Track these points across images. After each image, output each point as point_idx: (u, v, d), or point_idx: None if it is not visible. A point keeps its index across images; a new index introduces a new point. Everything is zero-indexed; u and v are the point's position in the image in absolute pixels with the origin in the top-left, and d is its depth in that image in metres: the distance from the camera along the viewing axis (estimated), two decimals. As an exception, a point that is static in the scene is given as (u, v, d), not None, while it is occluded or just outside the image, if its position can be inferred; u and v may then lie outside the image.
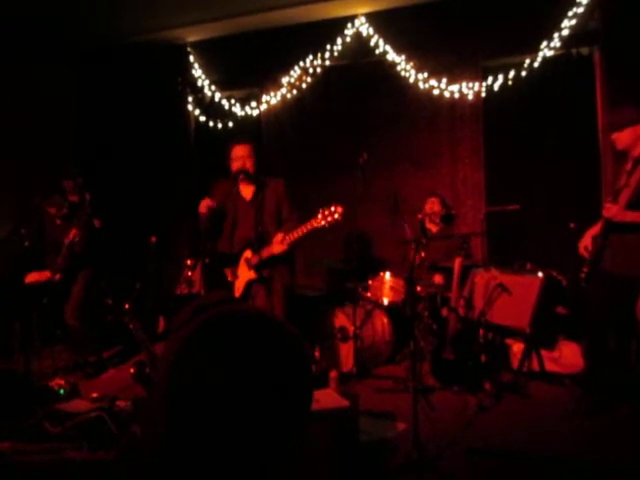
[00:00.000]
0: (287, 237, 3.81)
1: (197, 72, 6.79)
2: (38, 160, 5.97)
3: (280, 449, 0.78)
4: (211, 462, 0.75)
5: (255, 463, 0.76)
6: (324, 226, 3.58)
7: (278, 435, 0.77)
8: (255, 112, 6.60)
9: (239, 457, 0.76)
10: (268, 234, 4.00)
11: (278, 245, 3.84)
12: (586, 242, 3.65)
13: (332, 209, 3.56)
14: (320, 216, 3.57)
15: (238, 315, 0.83)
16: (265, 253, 3.93)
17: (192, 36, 6.69)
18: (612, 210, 3.40)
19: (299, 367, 0.80)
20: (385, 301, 5.08)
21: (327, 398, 2.93)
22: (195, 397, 0.76)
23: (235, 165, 4.06)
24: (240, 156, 4.06)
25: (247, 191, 4.18)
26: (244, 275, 4.04)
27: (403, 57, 5.92)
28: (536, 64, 5.45)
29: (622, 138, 3.50)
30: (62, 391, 3.65)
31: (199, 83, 6.79)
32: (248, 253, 4.02)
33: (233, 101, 6.68)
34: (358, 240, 5.27)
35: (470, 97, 5.74)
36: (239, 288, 4.05)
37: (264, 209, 4.09)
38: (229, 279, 4.09)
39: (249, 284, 4.04)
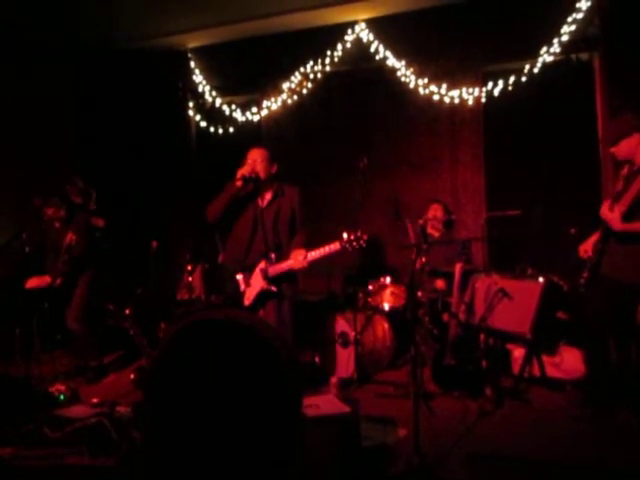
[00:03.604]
0: (309, 255, 3.76)
1: (198, 78, 6.81)
2: (39, 164, 5.98)
3: (267, 455, 0.78)
4: (194, 466, 0.75)
5: (244, 468, 0.76)
6: (347, 250, 3.59)
7: (261, 441, 0.77)
8: (256, 118, 6.61)
9: (224, 461, 0.76)
10: (281, 244, 3.97)
11: (299, 261, 3.78)
12: (586, 247, 3.67)
13: (358, 235, 3.57)
14: (345, 238, 3.58)
15: (207, 323, 0.83)
16: (284, 267, 3.85)
17: (193, 42, 6.71)
18: (608, 216, 3.42)
19: (274, 373, 0.80)
20: (386, 306, 5.08)
21: (328, 404, 2.93)
22: (170, 403, 0.76)
23: (245, 168, 3.91)
24: (253, 159, 3.97)
25: (262, 197, 4.05)
26: (257, 284, 3.93)
27: (403, 63, 5.94)
28: (536, 69, 5.46)
29: (620, 150, 3.53)
30: (62, 396, 3.66)
31: (200, 89, 6.81)
32: (264, 263, 3.90)
33: (234, 106, 6.70)
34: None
35: (470, 102, 5.76)
36: (249, 297, 3.95)
37: (279, 218, 4.00)
38: (241, 288, 3.99)
39: (261, 294, 3.93)
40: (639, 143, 3.45)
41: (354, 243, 3.57)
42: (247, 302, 3.96)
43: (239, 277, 4.00)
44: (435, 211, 5.27)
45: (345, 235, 3.58)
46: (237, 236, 4.07)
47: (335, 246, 3.65)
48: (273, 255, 3.91)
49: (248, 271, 3.98)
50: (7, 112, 5.96)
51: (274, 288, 3.89)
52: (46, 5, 5.58)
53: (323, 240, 3.85)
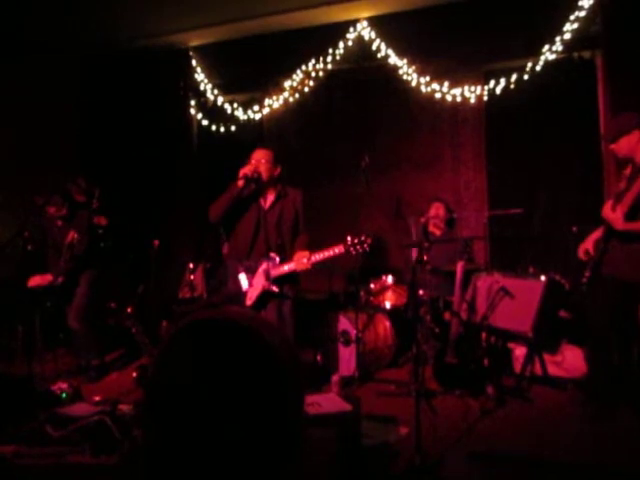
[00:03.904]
0: (313, 257, 3.75)
1: (199, 76, 6.81)
2: (41, 163, 5.99)
3: (268, 453, 0.78)
4: (195, 465, 0.76)
5: (245, 467, 0.77)
6: (350, 254, 3.58)
7: (262, 439, 0.77)
8: (257, 116, 6.61)
9: (225, 460, 0.76)
10: (284, 246, 3.97)
11: (302, 263, 3.77)
12: (587, 246, 3.66)
13: (362, 238, 3.55)
14: (349, 242, 3.57)
15: (208, 321, 0.83)
16: (287, 268, 3.86)
17: (194, 40, 6.71)
18: (610, 215, 3.41)
19: (276, 371, 0.80)
20: (387, 305, 5.08)
21: (329, 402, 2.93)
22: (171, 402, 0.76)
23: (247, 168, 3.89)
24: (257, 160, 3.95)
25: (265, 198, 4.06)
26: (259, 285, 3.93)
27: (405, 61, 5.93)
28: (538, 67, 5.45)
29: (620, 148, 3.53)
30: (64, 395, 3.65)
31: (201, 87, 6.81)
32: (267, 264, 3.90)
33: (235, 105, 6.70)
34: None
35: (472, 101, 5.75)
36: (251, 297, 3.95)
37: (283, 220, 4.00)
38: (243, 288, 3.99)
39: (263, 295, 3.93)
40: (639, 141, 3.45)
41: (358, 247, 3.56)
42: (249, 302, 3.96)
43: (242, 277, 4.00)
44: (437, 209, 5.27)
45: (349, 238, 3.57)
46: (239, 236, 4.06)
47: (339, 249, 3.65)
48: (277, 257, 3.91)
49: (251, 271, 3.98)
50: (10, 111, 5.97)
51: (276, 289, 3.90)
52: (47, 5, 5.58)
53: (325, 239, 3.85)
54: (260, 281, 3.94)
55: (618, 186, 3.61)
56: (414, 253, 4.37)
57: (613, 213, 3.40)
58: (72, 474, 2.35)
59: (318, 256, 3.76)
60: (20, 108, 6.05)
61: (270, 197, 4.06)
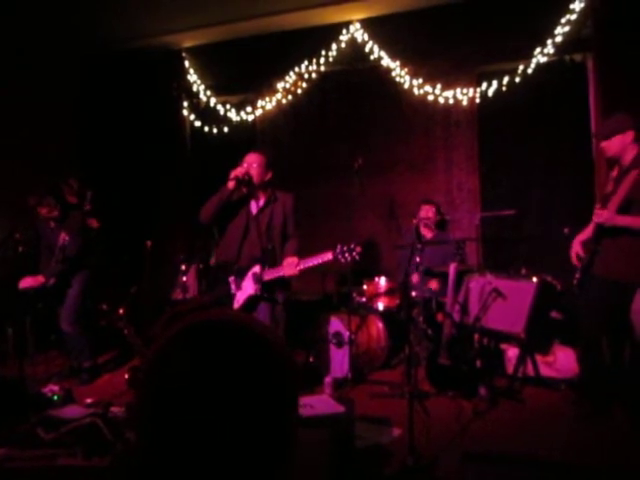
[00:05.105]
0: (301, 264, 3.75)
1: (192, 77, 6.80)
2: (35, 163, 5.95)
3: (263, 455, 0.78)
4: (188, 466, 0.75)
5: (239, 468, 0.76)
6: (339, 261, 3.58)
7: (257, 440, 0.77)
8: (250, 117, 6.61)
9: (219, 461, 0.76)
10: (274, 250, 3.97)
11: (291, 269, 3.77)
12: (577, 249, 3.68)
13: (351, 247, 3.54)
14: (338, 250, 3.56)
15: (209, 325, 0.83)
16: (276, 273, 3.85)
17: (187, 41, 6.70)
18: (603, 215, 3.43)
19: (271, 370, 0.80)
20: (380, 306, 5.08)
21: (322, 404, 2.93)
22: (165, 407, 0.76)
23: (238, 170, 3.88)
24: (248, 163, 3.95)
25: (255, 202, 4.06)
26: (248, 288, 3.93)
27: (398, 63, 5.95)
28: (530, 70, 5.48)
29: (611, 146, 3.53)
30: (56, 397, 3.64)
31: (194, 88, 6.80)
32: (257, 268, 3.90)
33: (228, 106, 6.69)
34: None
35: (464, 103, 5.77)
36: (239, 300, 3.95)
37: (272, 224, 4.01)
38: (232, 290, 3.99)
39: (252, 298, 3.93)
40: (632, 141, 3.46)
41: (347, 255, 3.55)
42: (236, 305, 3.95)
43: (231, 280, 4.00)
44: (427, 212, 5.26)
45: (338, 247, 3.57)
46: (229, 239, 4.07)
47: (327, 256, 3.64)
48: (267, 265, 3.90)
49: (240, 274, 3.98)
50: (4, 111, 5.93)
51: (265, 293, 3.88)
52: (42, 6, 5.55)
53: (318, 240, 3.85)
54: (249, 284, 3.93)
55: (605, 188, 3.63)
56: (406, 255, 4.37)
57: (604, 212, 3.41)
58: (64, 477, 2.34)
59: (307, 263, 3.75)
60: (15, 108, 6.01)
61: (260, 202, 4.06)
